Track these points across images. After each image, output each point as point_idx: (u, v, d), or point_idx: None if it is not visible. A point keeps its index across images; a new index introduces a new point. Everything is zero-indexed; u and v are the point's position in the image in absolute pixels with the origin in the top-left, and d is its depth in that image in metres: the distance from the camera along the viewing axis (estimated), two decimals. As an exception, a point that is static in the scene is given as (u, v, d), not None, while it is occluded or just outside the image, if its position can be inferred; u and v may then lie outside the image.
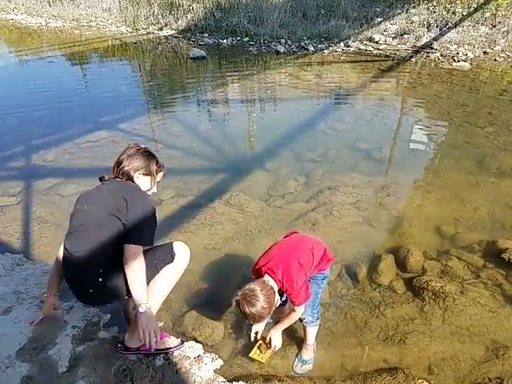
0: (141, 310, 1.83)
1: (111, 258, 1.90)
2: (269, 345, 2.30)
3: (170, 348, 2.11)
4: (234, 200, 3.86)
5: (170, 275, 2.06)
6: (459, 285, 2.83)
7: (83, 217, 1.94)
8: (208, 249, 3.25)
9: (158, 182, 2.20)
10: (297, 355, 2.35)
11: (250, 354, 2.27)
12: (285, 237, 2.40)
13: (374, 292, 2.82)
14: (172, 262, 2.05)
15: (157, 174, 2.15)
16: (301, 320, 2.26)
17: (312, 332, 2.31)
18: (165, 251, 2.06)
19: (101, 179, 2.09)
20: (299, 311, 2.12)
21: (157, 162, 2.14)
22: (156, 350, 2.05)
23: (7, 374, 1.88)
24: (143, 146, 2.15)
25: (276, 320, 2.55)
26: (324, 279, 2.28)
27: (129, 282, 1.84)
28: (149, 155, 2.12)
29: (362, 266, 3.00)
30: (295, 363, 2.31)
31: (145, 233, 1.91)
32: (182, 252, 2.10)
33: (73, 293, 2.12)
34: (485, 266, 3.03)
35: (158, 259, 2.02)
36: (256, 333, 2.22)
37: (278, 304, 2.05)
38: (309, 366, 2.29)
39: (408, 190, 4.15)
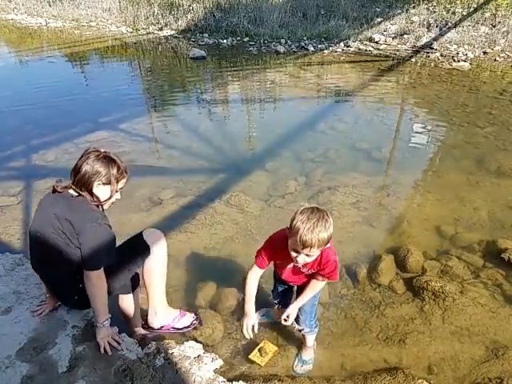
0: (98, 325, 1.98)
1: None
2: (269, 348, 2.29)
3: (188, 326, 2.33)
4: (233, 200, 3.86)
5: (158, 267, 2.10)
6: (459, 285, 2.83)
7: (39, 242, 1.92)
8: (208, 249, 3.25)
9: (122, 188, 2.01)
10: (297, 355, 2.35)
11: (250, 356, 2.27)
12: None
13: (374, 292, 2.83)
14: (150, 254, 2.06)
15: (118, 181, 1.95)
16: (298, 329, 2.24)
17: (311, 338, 2.31)
18: (139, 245, 2.06)
19: (54, 189, 1.94)
20: (322, 284, 2.00)
21: (118, 168, 1.93)
22: (175, 328, 2.33)
23: (7, 374, 1.88)
24: (103, 150, 1.96)
25: (275, 320, 2.55)
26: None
27: (90, 301, 1.91)
28: (109, 161, 1.91)
29: (361, 266, 3.01)
30: (295, 363, 2.31)
31: (99, 257, 1.86)
32: (155, 240, 2.10)
33: (60, 302, 2.19)
34: (485, 266, 3.03)
35: (135, 255, 2.04)
36: (253, 326, 2.05)
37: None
38: (309, 366, 2.29)
39: (408, 190, 4.16)
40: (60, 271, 1.94)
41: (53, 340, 2.09)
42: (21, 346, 2.04)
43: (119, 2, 13.43)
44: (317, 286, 2.02)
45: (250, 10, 11.91)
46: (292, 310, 2.09)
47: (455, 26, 10.45)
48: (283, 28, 11.40)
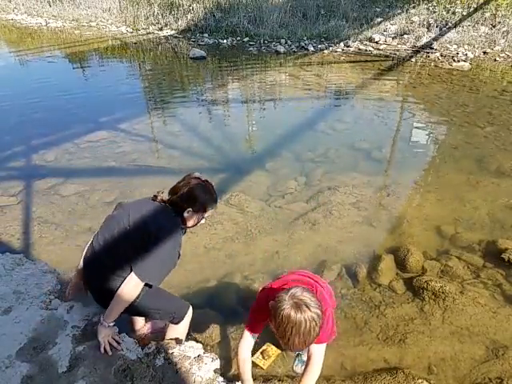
0: (104, 323, 1.96)
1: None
2: (272, 351, 2.28)
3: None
4: (233, 200, 3.86)
5: (184, 331, 2.20)
6: (459, 285, 2.83)
7: (123, 236, 1.91)
8: (208, 249, 3.25)
9: (207, 216, 2.07)
10: (297, 355, 2.35)
11: (252, 359, 2.25)
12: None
13: (374, 292, 2.83)
14: (178, 323, 2.12)
15: (206, 211, 2.02)
16: None
17: None
18: (180, 311, 2.13)
19: (154, 197, 2.04)
20: (320, 357, 1.76)
21: (211, 199, 2.00)
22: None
23: (7, 374, 1.88)
24: (204, 178, 2.03)
25: None
26: None
27: (113, 300, 1.89)
28: (205, 191, 1.98)
29: (361, 265, 3.01)
30: (295, 363, 2.31)
31: (151, 274, 1.86)
32: (189, 315, 2.19)
33: (92, 291, 2.10)
34: (485, 266, 3.03)
35: (171, 314, 2.08)
36: None
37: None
38: (309, 367, 2.27)
39: (408, 190, 4.16)
40: (119, 264, 1.91)
41: (53, 340, 2.09)
42: (21, 346, 2.04)
43: (119, 2, 13.42)
44: (314, 370, 1.79)
45: (250, 9, 11.91)
46: None
47: (455, 26, 10.45)
48: (283, 28, 11.40)
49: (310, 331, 1.43)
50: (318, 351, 1.74)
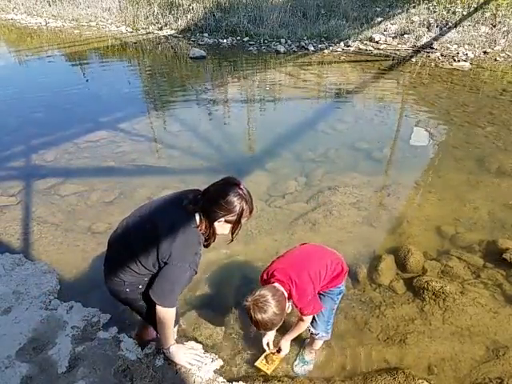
0: (166, 350, 2.01)
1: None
2: (276, 355, 2.27)
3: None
4: (234, 200, 3.85)
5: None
6: (459, 285, 2.83)
7: (137, 232, 1.87)
8: (208, 249, 3.24)
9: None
10: (297, 355, 2.34)
11: (256, 363, 2.25)
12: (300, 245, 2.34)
13: (374, 292, 2.82)
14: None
15: (241, 222, 1.83)
16: (312, 333, 2.23)
17: (321, 342, 2.31)
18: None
19: (184, 198, 1.84)
20: (307, 320, 2.07)
21: (248, 210, 1.80)
22: None
23: (7, 374, 1.88)
24: (243, 185, 1.80)
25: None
26: (340, 294, 2.24)
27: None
28: (243, 200, 1.76)
29: (362, 266, 3.01)
30: (296, 363, 2.31)
31: (165, 295, 1.82)
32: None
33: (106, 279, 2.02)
34: (485, 266, 3.03)
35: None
36: (267, 344, 2.20)
37: (289, 311, 2.01)
38: (309, 367, 2.28)
39: (408, 190, 4.15)
40: (128, 258, 1.87)
41: (53, 340, 2.09)
42: (21, 346, 2.04)
43: (119, 2, 13.41)
44: (301, 326, 2.11)
45: (250, 9, 11.90)
46: (284, 346, 2.21)
47: (455, 26, 10.44)
48: (283, 28, 11.38)
49: (265, 325, 1.86)
50: (307, 319, 2.08)
